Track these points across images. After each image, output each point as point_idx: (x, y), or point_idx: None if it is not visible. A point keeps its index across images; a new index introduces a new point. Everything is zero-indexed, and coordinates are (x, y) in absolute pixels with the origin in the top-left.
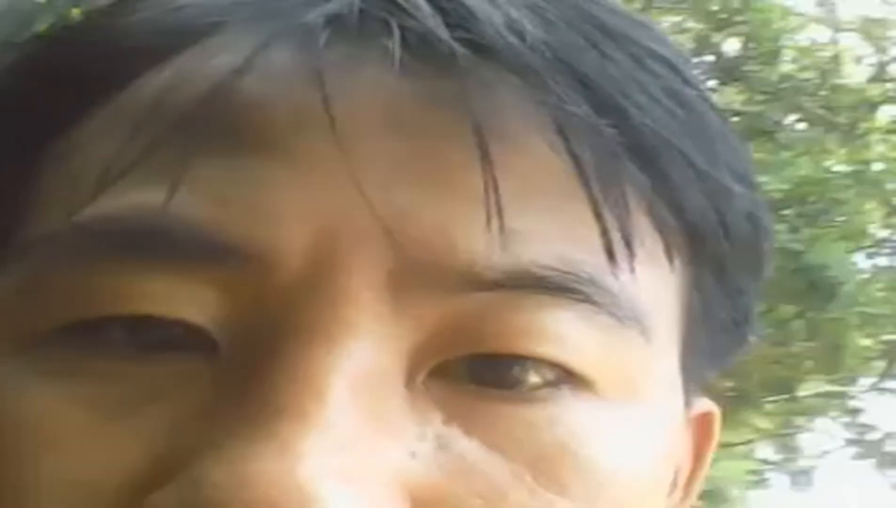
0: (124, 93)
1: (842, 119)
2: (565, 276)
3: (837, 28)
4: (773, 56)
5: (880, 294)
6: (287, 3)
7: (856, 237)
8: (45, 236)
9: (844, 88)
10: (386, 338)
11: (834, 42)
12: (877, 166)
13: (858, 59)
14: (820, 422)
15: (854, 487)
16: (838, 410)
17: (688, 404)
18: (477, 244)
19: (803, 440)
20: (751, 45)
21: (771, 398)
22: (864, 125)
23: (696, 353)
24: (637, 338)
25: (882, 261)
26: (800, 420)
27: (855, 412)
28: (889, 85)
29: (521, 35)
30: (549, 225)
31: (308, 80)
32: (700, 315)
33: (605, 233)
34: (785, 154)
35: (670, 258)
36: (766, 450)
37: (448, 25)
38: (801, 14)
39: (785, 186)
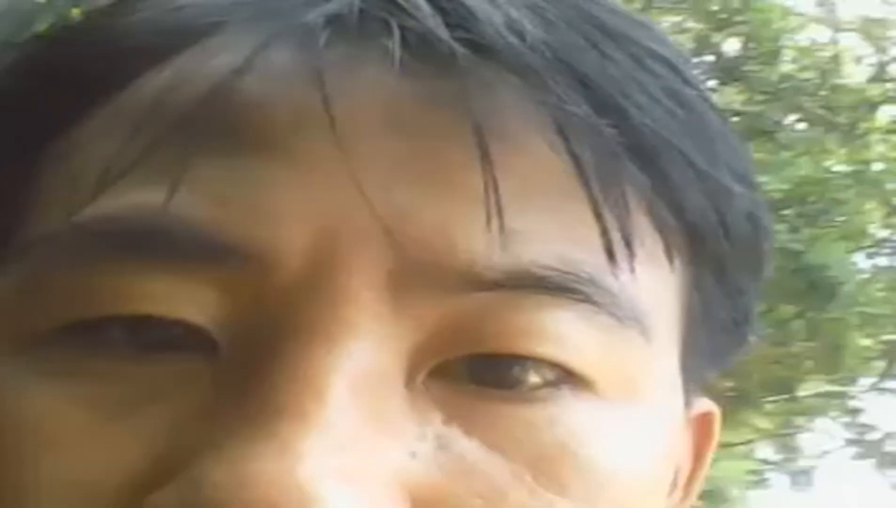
0: (124, 93)
1: (842, 119)
2: (565, 276)
3: (837, 28)
4: (773, 56)
5: (880, 294)
6: (287, 3)
7: (856, 237)
8: (45, 236)
9: (844, 88)
10: (386, 338)
11: (834, 42)
12: (877, 166)
13: (858, 59)
14: (820, 422)
15: (854, 487)
16: (838, 410)
17: (688, 404)
18: (477, 244)
19: (803, 440)
20: (751, 45)
21: (771, 398)
22: (864, 125)
23: (696, 353)
24: (637, 338)
25: (882, 261)
26: (800, 420)
27: (855, 412)
28: (889, 85)
29: (521, 35)
30: (549, 225)
31: (308, 80)
32: (700, 315)
33: (605, 233)
34: (785, 154)
35: (670, 258)
36: (766, 450)
37: (448, 25)
38: (801, 14)
39: (785, 186)
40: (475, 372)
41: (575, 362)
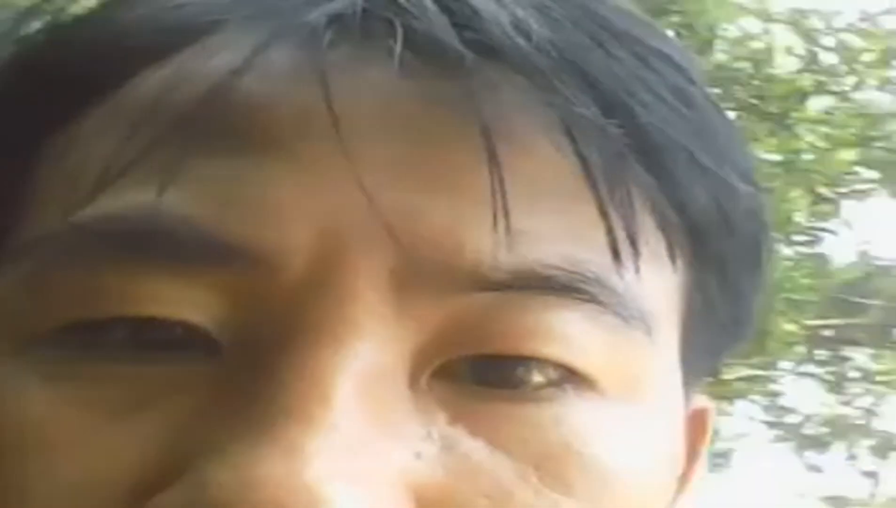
0: (123, 91)
1: (773, 109)
2: (571, 276)
3: (769, 18)
4: (707, 46)
5: (805, 281)
6: (289, 1)
7: (782, 225)
8: (45, 235)
9: (776, 78)
10: (390, 339)
11: (766, 32)
12: (806, 156)
13: (789, 50)
14: (739, 405)
15: (772, 469)
16: (759, 393)
17: (686, 401)
18: (484, 245)
19: (721, 422)
20: (685, 34)
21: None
22: (794, 115)
23: (696, 350)
24: (641, 338)
25: (806, 249)
26: (722, 404)
27: (775, 395)
28: (819, 76)
29: (527, 35)
30: (554, 226)
31: (311, 80)
32: (701, 313)
33: (610, 233)
34: None
35: (673, 257)
36: None
37: (454, 25)
38: (734, 3)
39: None
40: (479, 372)
41: (580, 362)
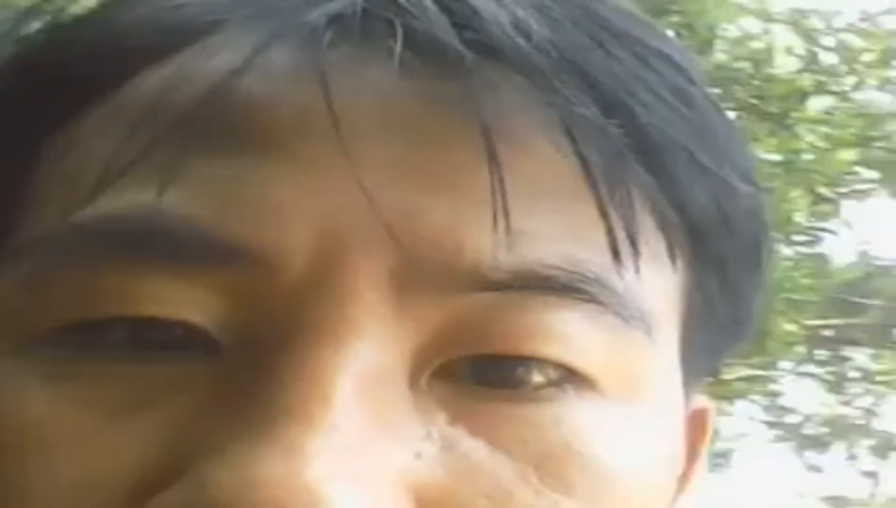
0: (122, 91)
1: (773, 109)
2: (571, 276)
3: (769, 18)
4: (707, 46)
5: (805, 281)
6: (288, 1)
7: (782, 225)
8: (45, 235)
9: (776, 78)
10: (389, 340)
11: (766, 32)
12: (806, 156)
13: (789, 50)
14: (739, 405)
15: (772, 469)
16: (759, 393)
17: (685, 400)
18: (484, 245)
19: (721, 422)
20: (685, 34)
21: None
22: (794, 115)
23: (696, 350)
24: (641, 338)
25: (806, 249)
26: (722, 404)
27: (775, 395)
28: (819, 76)
29: (527, 35)
30: (554, 226)
31: (311, 80)
32: (701, 314)
33: (610, 233)
34: None
35: (673, 257)
36: None
37: (454, 25)
38: (734, 2)
39: None
40: (478, 372)
41: (579, 362)
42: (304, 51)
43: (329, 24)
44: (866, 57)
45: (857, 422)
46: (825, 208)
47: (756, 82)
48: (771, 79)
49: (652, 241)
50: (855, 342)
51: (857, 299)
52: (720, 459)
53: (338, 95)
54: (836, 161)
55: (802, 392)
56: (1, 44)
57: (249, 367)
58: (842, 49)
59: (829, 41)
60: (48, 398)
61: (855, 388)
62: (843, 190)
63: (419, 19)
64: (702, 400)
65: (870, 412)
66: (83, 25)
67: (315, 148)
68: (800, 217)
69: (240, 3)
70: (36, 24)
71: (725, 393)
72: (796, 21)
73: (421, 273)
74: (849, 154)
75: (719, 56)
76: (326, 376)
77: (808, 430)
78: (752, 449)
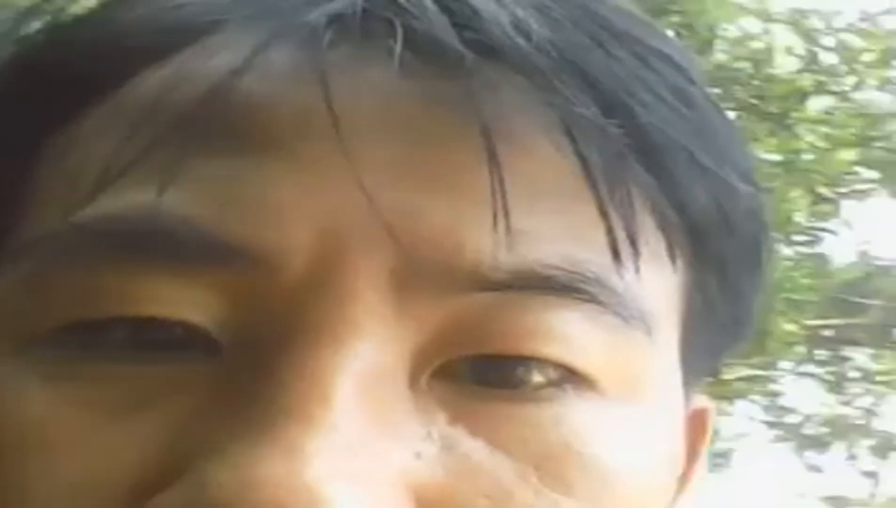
0: (122, 91)
1: (773, 109)
2: (571, 276)
3: (769, 18)
4: (707, 46)
5: (805, 281)
6: (288, 1)
7: (782, 225)
8: (45, 235)
9: (776, 78)
10: (389, 340)
11: (766, 32)
12: (806, 156)
13: (789, 50)
14: (739, 405)
15: (772, 469)
16: (759, 393)
17: (685, 400)
18: (484, 245)
19: (721, 422)
20: (685, 34)
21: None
22: (794, 115)
23: (696, 350)
24: (641, 338)
25: (806, 249)
26: (722, 404)
27: (775, 395)
28: (819, 76)
29: (527, 35)
30: (554, 226)
31: (311, 80)
32: (700, 314)
33: (610, 233)
34: None
35: (673, 257)
36: None
37: (454, 25)
38: (734, 2)
39: None
40: (479, 372)
41: (580, 362)
42: (304, 51)
43: (329, 24)
44: (866, 57)
45: (857, 422)
46: (825, 207)
47: (756, 82)
48: (771, 79)
49: (652, 241)
50: (855, 342)
51: (857, 300)
52: (720, 459)
53: (338, 95)
54: (836, 161)
55: (802, 392)
56: (1, 44)
57: (249, 367)
58: (842, 49)
59: (829, 41)
60: (48, 398)
61: (855, 388)
62: (842, 190)
63: (419, 19)
64: (702, 400)
65: (870, 412)
66: (83, 25)
67: (315, 148)
68: (800, 217)
69: (240, 3)
70: (36, 24)
71: (725, 393)
72: (796, 21)
73: (421, 273)
74: (849, 154)
75: (719, 56)
76: (326, 376)
77: (808, 430)
78: (752, 449)
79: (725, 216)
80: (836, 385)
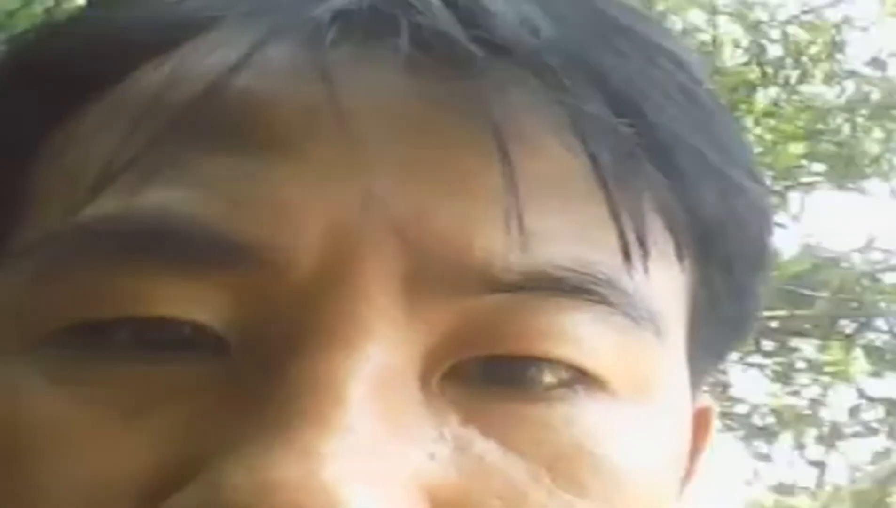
0: (121, 87)
1: (721, 101)
2: (582, 277)
3: (714, 11)
4: None
5: None
6: None
7: None
8: (47, 235)
9: (724, 70)
10: (400, 342)
11: (713, 25)
12: (755, 149)
13: (736, 42)
14: None
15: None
16: (707, 384)
17: (692, 399)
18: (495, 246)
19: None
20: None
21: None
22: (742, 107)
23: (700, 348)
24: (651, 338)
25: None
26: None
27: (723, 385)
28: (767, 67)
29: (535, 32)
30: (565, 226)
31: (313, 78)
32: (706, 312)
33: (621, 234)
34: None
35: (681, 257)
36: None
37: (461, 23)
38: None
39: None
40: (489, 373)
41: (590, 363)
42: (306, 48)
43: (333, 20)
44: (812, 49)
45: (805, 412)
46: (773, 201)
47: None
48: (718, 71)
49: (660, 241)
50: (802, 334)
51: (804, 291)
52: None
53: (344, 94)
54: (785, 154)
55: (750, 383)
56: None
57: (259, 367)
58: (787, 41)
59: (775, 34)
60: (58, 399)
61: (802, 378)
62: (790, 183)
63: (425, 16)
64: (705, 399)
65: (817, 403)
66: (80, 22)
67: (323, 148)
68: None
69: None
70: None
71: None
72: (741, 13)
73: (431, 275)
74: (797, 148)
75: None
76: (339, 379)
77: (756, 420)
78: None
79: (734, 214)
80: (784, 376)
